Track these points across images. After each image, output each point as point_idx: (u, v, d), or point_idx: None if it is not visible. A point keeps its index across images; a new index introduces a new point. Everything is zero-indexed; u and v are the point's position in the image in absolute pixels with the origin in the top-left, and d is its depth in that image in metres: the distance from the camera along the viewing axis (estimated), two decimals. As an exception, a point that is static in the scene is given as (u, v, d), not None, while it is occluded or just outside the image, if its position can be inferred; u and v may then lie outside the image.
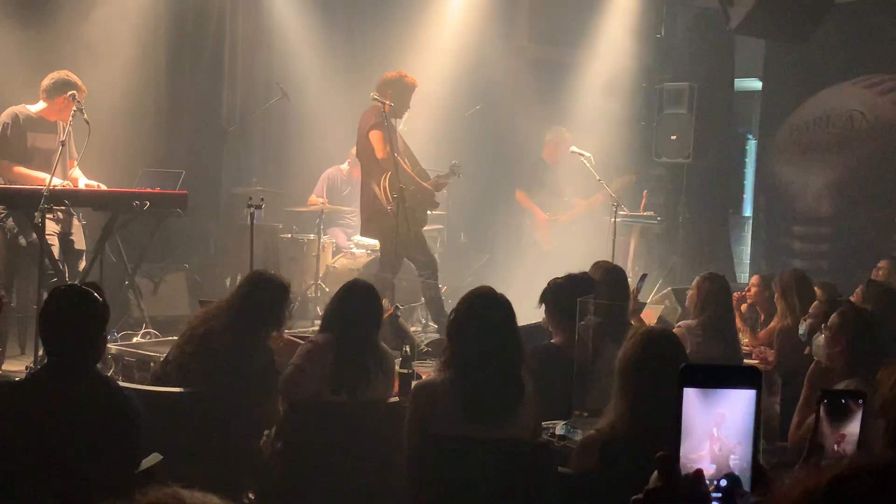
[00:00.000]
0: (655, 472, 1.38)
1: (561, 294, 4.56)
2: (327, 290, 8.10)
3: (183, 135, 8.69)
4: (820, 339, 4.19)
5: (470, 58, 9.77)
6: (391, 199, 6.96)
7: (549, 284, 4.68)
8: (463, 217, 9.97)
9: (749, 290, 6.67)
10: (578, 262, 5.48)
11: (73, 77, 6.51)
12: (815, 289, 5.89)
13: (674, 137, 10.01)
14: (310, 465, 4.03)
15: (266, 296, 4.36)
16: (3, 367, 6.31)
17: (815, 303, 5.25)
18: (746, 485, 1.39)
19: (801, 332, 5.16)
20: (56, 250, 6.41)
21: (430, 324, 7.99)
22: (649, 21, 10.71)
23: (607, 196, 8.55)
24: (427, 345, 6.13)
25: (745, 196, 12.35)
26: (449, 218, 9.44)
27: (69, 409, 3.05)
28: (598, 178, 8.49)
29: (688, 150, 9.90)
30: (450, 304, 7.07)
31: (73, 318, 3.15)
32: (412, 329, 7.38)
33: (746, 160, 12.39)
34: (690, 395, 1.38)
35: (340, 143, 8.77)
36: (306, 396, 4.08)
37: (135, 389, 3.79)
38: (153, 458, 3.21)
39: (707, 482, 1.37)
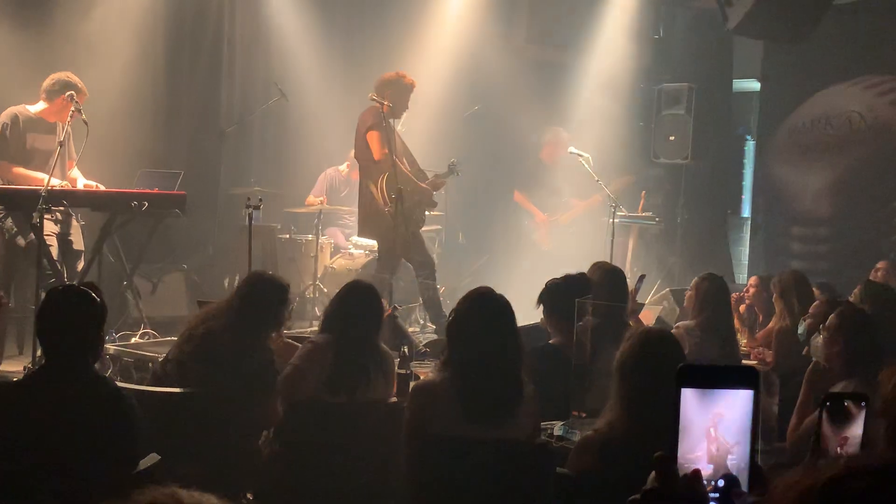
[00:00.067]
0: (653, 473, 1.38)
1: (558, 295, 4.56)
2: (325, 290, 8.11)
3: (181, 135, 8.68)
4: (818, 339, 4.20)
5: (468, 58, 9.77)
6: (389, 200, 6.96)
7: (546, 285, 4.69)
8: (461, 217, 9.97)
9: (747, 291, 6.68)
10: (577, 262, 5.49)
11: (75, 79, 6.51)
12: (814, 289, 5.90)
13: (672, 138, 10.02)
14: (308, 466, 4.03)
15: (265, 296, 4.36)
16: (1, 368, 6.30)
17: (816, 303, 5.26)
18: (744, 485, 1.39)
19: (799, 331, 5.17)
20: (55, 251, 6.41)
21: (429, 324, 7.99)
22: (648, 21, 10.72)
23: (606, 197, 8.55)
24: (425, 345, 6.13)
25: (743, 197, 12.34)
26: (447, 218, 9.44)
27: (67, 409, 3.05)
28: (596, 178, 8.49)
29: (686, 150, 9.91)
30: (448, 305, 7.07)
31: (71, 318, 3.15)
32: (410, 329, 7.39)
33: (745, 161, 12.39)
34: (688, 396, 1.38)
35: (339, 144, 8.77)
36: (305, 397, 4.09)
37: (133, 390, 3.80)
38: (151, 459, 3.21)
39: (705, 482, 1.37)
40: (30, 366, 5.71)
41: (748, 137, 12.31)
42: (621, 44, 10.33)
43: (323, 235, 8.60)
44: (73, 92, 6.39)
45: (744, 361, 5.54)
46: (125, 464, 3.07)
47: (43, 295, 3.84)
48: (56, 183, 6.10)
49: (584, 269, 4.96)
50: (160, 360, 4.68)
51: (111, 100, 7.65)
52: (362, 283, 4.58)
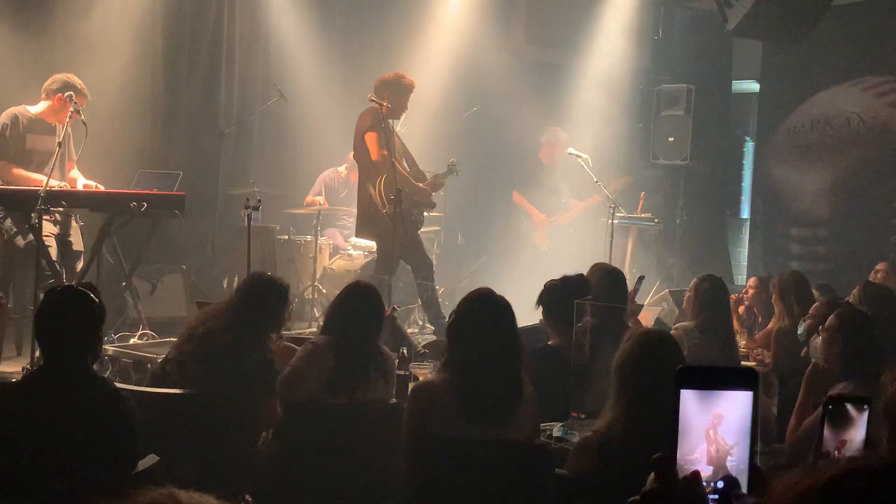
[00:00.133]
0: (652, 474, 1.38)
1: (557, 296, 4.56)
2: (324, 291, 8.10)
3: (181, 136, 8.68)
4: (817, 340, 4.20)
5: (467, 59, 9.77)
6: (387, 201, 6.95)
7: (545, 286, 4.69)
8: (460, 218, 9.96)
9: (746, 292, 6.68)
10: (576, 263, 5.49)
11: (77, 81, 6.50)
12: (813, 290, 5.90)
13: (671, 139, 10.03)
14: (308, 467, 4.02)
15: (265, 297, 4.36)
16: (0, 368, 6.30)
17: (815, 304, 5.25)
18: (743, 486, 1.39)
19: (799, 332, 5.17)
20: (53, 251, 6.41)
21: (427, 325, 7.98)
22: (647, 22, 10.73)
23: (605, 197, 8.55)
24: (424, 346, 6.13)
25: (742, 198, 12.35)
26: (446, 219, 9.44)
27: (66, 410, 3.05)
28: (595, 179, 8.49)
29: (685, 151, 9.91)
30: (447, 306, 7.08)
31: (70, 319, 3.15)
32: (409, 330, 7.38)
33: (744, 162, 12.40)
34: (687, 397, 1.38)
35: (338, 145, 8.76)
36: (305, 398, 4.09)
37: (131, 390, 3.79)
38: (150, 460, 3.21)
39: (704, 484, 1.37)
40: (28, 367, 5.70)
41: (747, 138, 12.32)
42: (620, 44, 10.34)
43: (322, 236, 8.59)
44: (71, 92, 6.38)
45: (743, 362, 5.54)
46: (124, 464, 3.07)
47: (41, 295, 3.83)
48: (55, 184, 6.10)
49: (583, 269, 4.95)
50: (159, 360, 4.68)
51: (110, 100, 7.65)
52: (363, 284, 4.58)
